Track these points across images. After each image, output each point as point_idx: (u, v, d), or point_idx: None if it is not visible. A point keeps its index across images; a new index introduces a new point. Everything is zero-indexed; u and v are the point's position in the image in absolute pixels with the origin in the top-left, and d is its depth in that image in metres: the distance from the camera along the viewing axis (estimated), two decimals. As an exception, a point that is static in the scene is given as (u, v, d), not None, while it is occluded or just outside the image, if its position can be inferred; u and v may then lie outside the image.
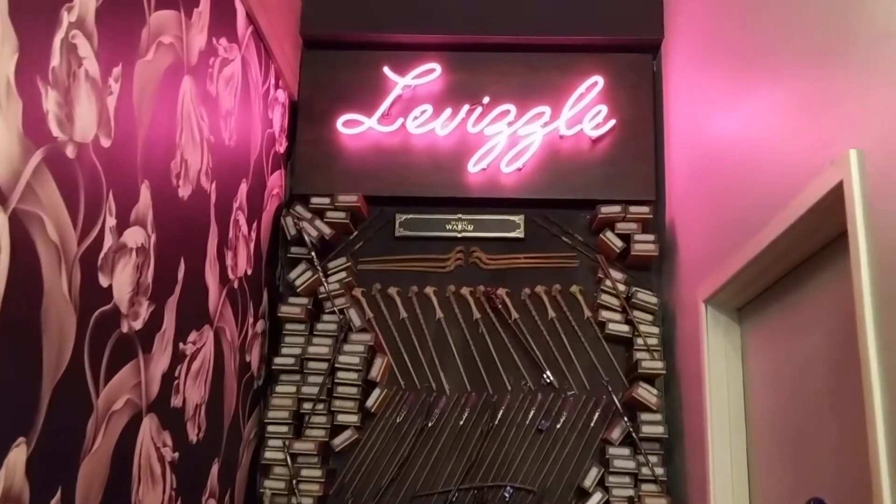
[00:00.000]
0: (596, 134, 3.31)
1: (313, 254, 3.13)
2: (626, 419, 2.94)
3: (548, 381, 3.17)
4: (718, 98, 2.62)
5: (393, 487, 3.11)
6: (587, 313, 3.25)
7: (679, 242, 3.06)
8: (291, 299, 3.15)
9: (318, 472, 2.96)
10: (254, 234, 2.92)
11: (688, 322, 2.85)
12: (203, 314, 2.39)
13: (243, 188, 2.77)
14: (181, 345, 2.21)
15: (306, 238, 3.13)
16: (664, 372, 2.97)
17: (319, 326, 3.11)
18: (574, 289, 3.29)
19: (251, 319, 2.91)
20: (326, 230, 3.22)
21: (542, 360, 3.17)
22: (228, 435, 2.66)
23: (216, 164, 2.47)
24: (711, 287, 2.51)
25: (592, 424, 3.13)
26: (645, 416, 2.95)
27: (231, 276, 2.65)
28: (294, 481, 2.91)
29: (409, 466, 3.13)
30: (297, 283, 3.13)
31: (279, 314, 3.09)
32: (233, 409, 2.72)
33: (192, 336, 2.30)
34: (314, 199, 3.25)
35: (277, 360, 3.05)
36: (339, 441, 3.04)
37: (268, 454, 2.97)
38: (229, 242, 2.61)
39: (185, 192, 2.21)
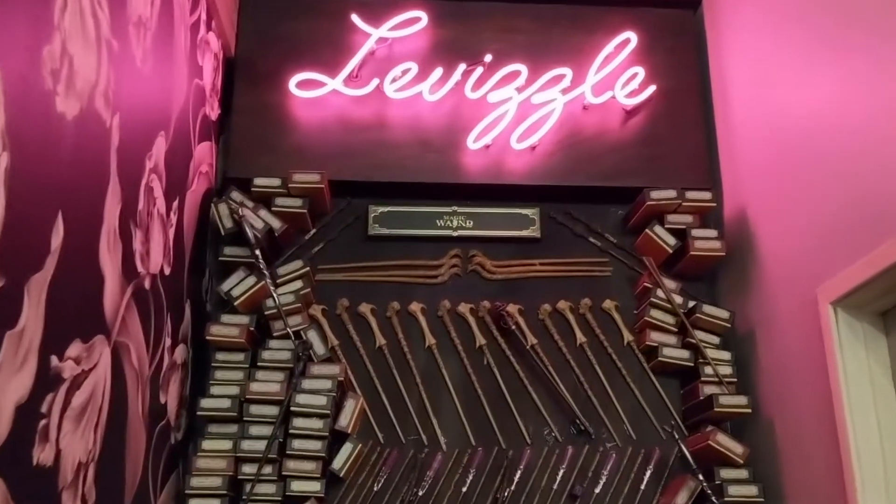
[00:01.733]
0: (631, 103, 2.65)
1: (258, 252, 2.30)
2: (700, 477, 2.18)
3: (580, 429, 2.40)
4: (795, 65, 2.18)
5: (370, 586, 2.25)
6: (627, 337, 2.51)
7: (758, 238, 2.38)
8: (226, 318, 2.30)
9: (263, 568, 2.08)
10: (174, 218, 2.09)
11: (789, 338, 2.16)
12: (95, 318, 1.54)
13: (161, 145, 1.95)
14: (54, 359, 1.36)
15: (248, 232, 2.31)
16: (749, 411, 2.24)
17: (266, 355, 2.26)
18: (608, 304, 2.56)
19: (168, 342, 2.05)
20: (276, 222, 2.41)
21: (572, 400, 2.40)
22: (130, 515, 1.77)
23: (123, 90, 1.65)
24: (845, 286, 1.82)
25: (643, 487, 2.36)
26: (726, 473, 2.20)
27: (141, 268, 1.81)
28: (228, 583, 2.02)
29: (392, 555, 2.28)
30: (235, 293, 2.28)
31: (208, 337, 2.23)
32: (139, 475, 1.84)
33: (75, 349, 1.45)
34: (259, 181, 2.44)
35: (205, 402, 2.18)
36: (294, 521, 2.17)
37: (188, 544, 2.08)
38: (139, 217, 1.78)
39: (67, 107, 1.39)
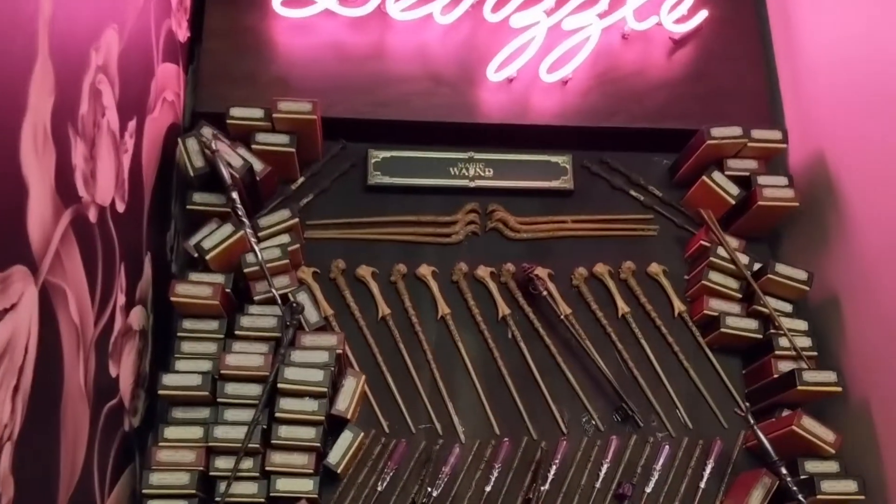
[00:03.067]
0: (679, 30, 2.28)
1: (235, 195, 1.88)
2: (783, 471, 1.79)
3: (626, 415, 2.02)
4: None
5: None
6: (679, 306, 2.13)
7: (838, 188, 2.02)
8: (195, 276, 1.88)
9: (241, 589, 1.66)
10: (129, 143, 1.67)
11: (883, 303, 1.79)
12: (13, 241, 1.13)
13: (112, 40, 1.53)
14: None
15: (224, 171, 1.89)
16: (840, 389, 1.87)
17: (245, 322, 1.85)
18: (655, 269, 2.18)
19: (121, 299, 1.63)
20: (257, 163, 1.99)
21: (615, 382, 2.01)
22: (66, 520, 1.35)
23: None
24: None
25: (703, 485, 1.97)
26: (814, 466, 1.82)
27: (83, 192, 1.39)
28: None
29: (401, 570, 1.87)
30: (208, 244, 1.87)
31: (173, 299, 1.80)
32: (79, 466, 1.41)
33: (-17, 279, 1.03)
34: (236, 111, 2.03)
35: (169, 379, 1.75)
36: (280, 528, 1.76)
37: (146, 557, 1.65)
38: (80, 124, 1.36)
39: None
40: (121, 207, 1.60)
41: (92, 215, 1.43)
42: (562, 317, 2.07)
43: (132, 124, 1.67)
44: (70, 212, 1.32)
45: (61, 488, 1.33)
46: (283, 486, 1.77)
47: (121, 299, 1.61)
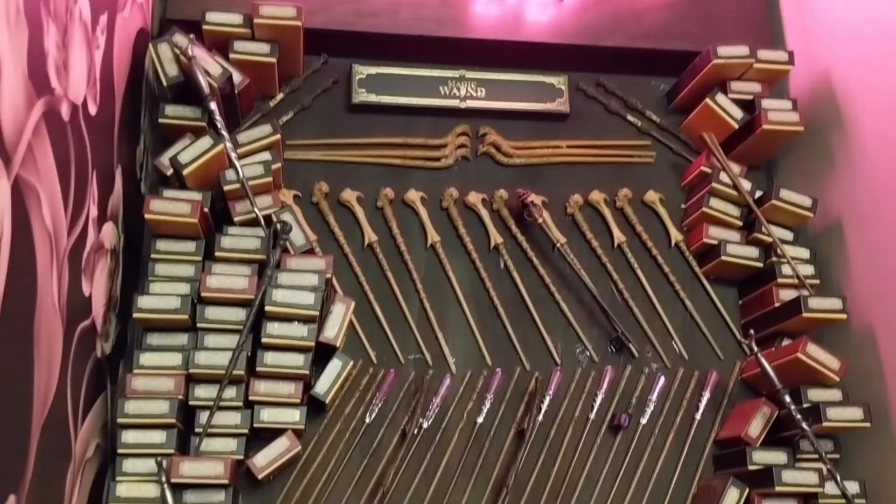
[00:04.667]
0: (682, -52, 2.18)
1: (213, 106, 1.75)
2: (787, 399, 1.77)
3: (621, 345, 1.97)
4: None
5: (363, 544, 1.77)
6: (676, 236, 2.08)
7: (844, 111, 1.98)
8: (169, 193, 1.76)
9: (225, 523, 1.57)
10: (101, 39, 1.53)
11: (889, 228, 1.76)
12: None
13: (84, -80, 1.38)
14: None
15: (201, 80, 1.75)
16: (845, 316, 1.84)
17: (226, 243, 1.73)
18: (651, 197, 2.12)
19: (94, 212, 1.50)
20: (237, 74, 1.86)
21: (610, 312, 1.96)
22: (42, 448, 1.24)
23: None
24: None
25: (699, 416, 1.95)
26: (818, 394, 1.80)
27: (56, 84, 1.26)
28: (178, 543, 1.51)
29: (391, 503, 1.80)
30: (185, 158, 1.73)
31: (148, 216, 1.68)
32: (53, 389, 1.30)
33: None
34: (212, 16, 1.88)
35: (144, 301, 1.63)
36: (265, 460, 1.67)
37: (122, 489, 1.55)
38: (52, 6, 1.22)
39: None
40: (93, 110, 1.47)
41: (65, 112, 1.30)
42: (556, 245, 2.00)
43: (104, 19, 1.52)
44: (42, 103, 1.19)
45: (35, 412, 1.22)
46: (269, 416, 1.68)
47: (93, 211, 1.49)
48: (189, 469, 1.55)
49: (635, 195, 2.11)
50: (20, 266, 1.11)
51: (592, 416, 1.92)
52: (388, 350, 1.91)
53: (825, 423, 1.72)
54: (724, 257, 1.95)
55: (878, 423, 1.73)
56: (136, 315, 1.62)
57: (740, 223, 2.01)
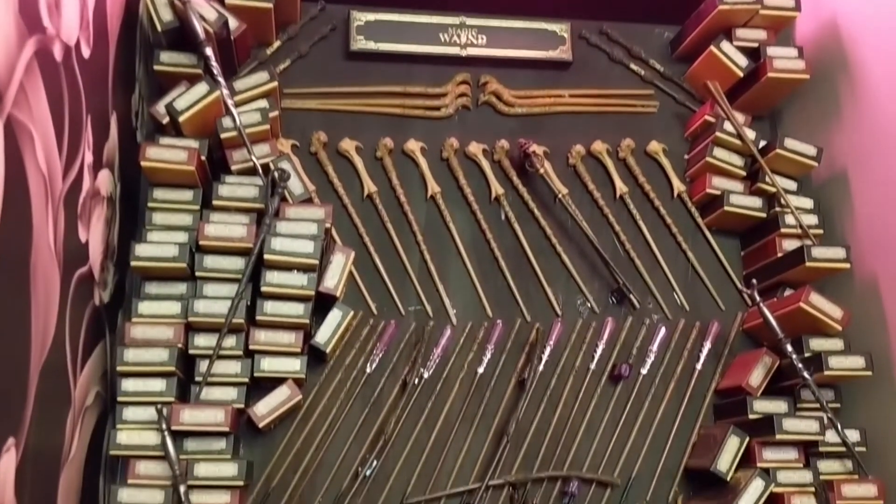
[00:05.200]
0: None
1: (209, 52, 1.72)
2: (789, 348, 1.76)
3: (622, 296, 1.96)
4: None
5: (363, 492, 1.78)
6: (678, 186, 2.06)
7: (851, 59, 1.95)
8: (166, 140, 1.73)
9: (225, 469, 1.58)
10: (94, -18, 1.49)
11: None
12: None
13: None
14: None
15: (197, 26, 1.72)
16: (848, 266, 1.83)
17: (224, 192, 1.72)
18: (654, 147, 2.10)
19: (89, 157, 1.48)
20: (233, 19, 1.82)
21: (612, 263, 1.95)
22: (41, 392, 1.23)
23: None
24: None
25: (699, 367, 1.95)
26: (818, 343, 1.80)
27: (48, 24, 1.23)
28: (179, 489, 1.51)
29: (391, 453, 1.81)
30: (181, 104, 1.71)
31: (144, 163, 1.66)
32: (51, 334, 1.29)
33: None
34: (208, -40, 1.84)
35: (142, 249, 1.62)
36: (266, 409, 1.67)
37: (122, 436, 1.55)
38: (42, -59, 1.19)
39: None
40: (86, 53, 1.44)
41: (57, 53, 1.27)
42: (558, 196, 1.98)
43: (94, -41, 1.49)
44: (34, 41, 1.16)
45: (33, 355, 1.22)
46: (269, 365, 1.68)
47: (88, 157, 1.47)
48: (189, 416, 1.55)
49: (638, 145, 2.09)
50: (15, 206, 1.10)
51: (593, 366, 1.93)
52: (389, 301, 1.91)
53: (826, 372, 1.72)
54: (726, 208, 1.94)
55: (880, 372, 1.73)
56: (133, 263, 1.60)
57: (744, 173, 1.99)
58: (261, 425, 1.66)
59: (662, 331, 1.96)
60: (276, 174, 1.68)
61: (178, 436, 1.56)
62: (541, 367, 1.89)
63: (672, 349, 1.96)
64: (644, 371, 1.93)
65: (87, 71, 1.44)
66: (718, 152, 1.97)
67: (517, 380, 1.89)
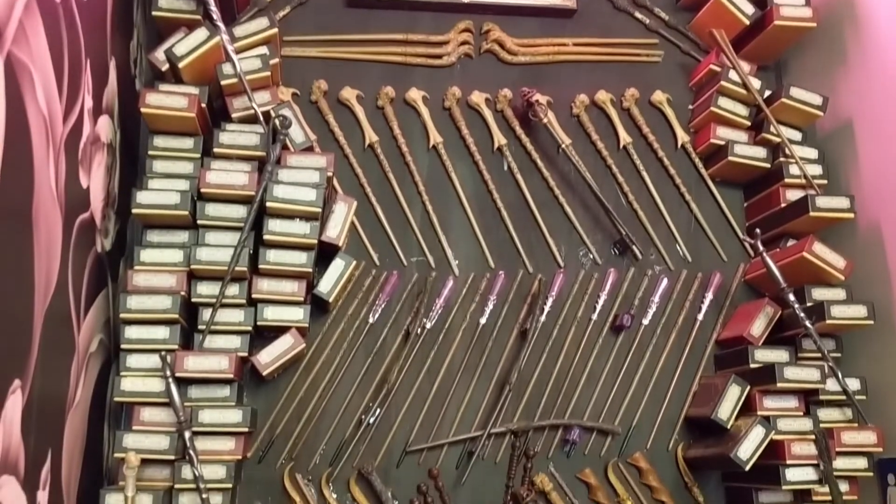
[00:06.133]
0: None
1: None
2: (791, 297, 1.77)
3: (625, 246, 1.96)
4: None
5: (366, 439, 1.79)
6: (682, 137, 2.05)
7: (857, 6, 1.92)
8: (165, 87, 1.71)
9: (230, 415, 1.59)
10: (90, -80, 1.46)
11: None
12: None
13: None
14: None
15: (194, -30, 1.69)
16: (852, 216, 1.83)
17: (225, 139, 1.70)
18: (659, 97, 2.08)
19: (89, 102, 1.46)
20: (231, -36, 1.79)
21: (614, 214, 1.94)
22: (45, 337, 1.23)
23: None
24: None
25: (701, 317, 1.95)
26: (821, 293, 1.80)
27: (45, -40, 1.20)
28: (184, 435, 1.52)
29: (394, 402, 1.82)
30: (180, 50, 1.68)
31: (144, 110, 1.64)
32: (54, 279, 1.29)
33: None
34: None
35: (144, 196, 1.61)
36: (269, 357, 1.68)
37: (126, 383, 1.55)
38: None
39: None
40: (84, -7, 1.41)
41: (55, -10, 1.25)
42: (561, 147, 1.97)
43: None
44: (31, -23, 1.14)
45: (36, 299, 1.21)
46: (272, 314, 1.68)
47: (88, 101, 1.45)
48: (193, 363, 1.55)
49: (642, 95, 2.07)
50: (16, 147, 1.09)
51: (595, 317, 1.93)
52: (391, 252, 1.90)
53: (828, 321, 1.72)
54: (731, 158, 1.93)
55: (881, 321, 1.74)
56: (135, 211, 1.59)
57: (748, 123, 1.98)
58: (265, 373, 1.67)
59: (664, 282, 1.96)
60: (277, 121, 1.66)
61: (183, 383, 1.57)
62: (543, 318, 1.90)
63: (674, 300, 1.96)
64: (646, 322, 1.94)
65: (86, 14, 1.42)
66: (723, 102, 1.96)
67: (519, 330, 1.89)
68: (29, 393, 1.17)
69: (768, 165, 1.94)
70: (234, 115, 1.75)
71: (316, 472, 1.76)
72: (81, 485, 1.45)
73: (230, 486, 1.56)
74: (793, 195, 1.89)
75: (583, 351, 1.90)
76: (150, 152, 1.69)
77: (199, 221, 1.63)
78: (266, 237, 1.64)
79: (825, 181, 1.92)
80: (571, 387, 1.88)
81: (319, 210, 1.63)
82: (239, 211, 1.64)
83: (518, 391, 1.85)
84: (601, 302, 1.93)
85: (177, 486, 1.54)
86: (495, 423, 1.79)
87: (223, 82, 1.71)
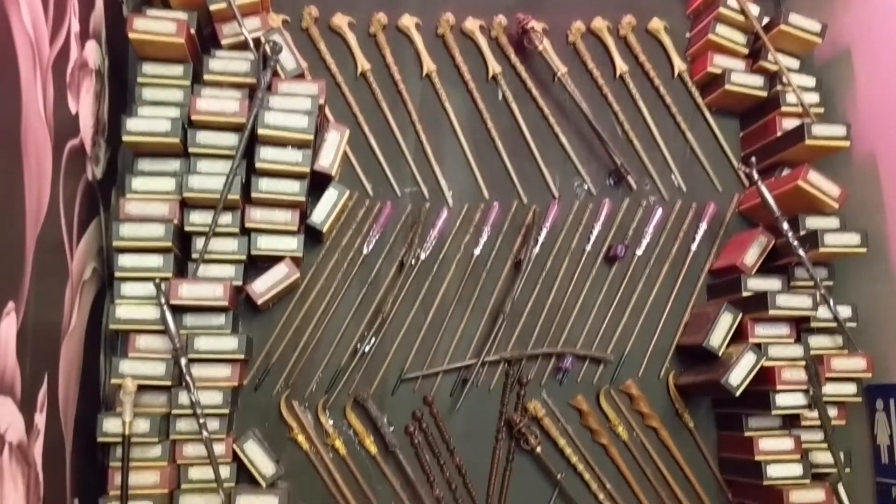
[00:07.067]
0: None
1: (197, -81, 1.65)
2: (785, 226, 1.77)
3: (620, 177, 1.95)
4: None
5: (361, 368, 1.82)
6: (679, 65, 2.03)
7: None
8: (154, 12, 1.68)
9: (225, 343, 1.60)
10: None
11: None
12: None
13: None
14: None
15: None
16: (848, 144, 1.83)
17: (215, 66, 1.68)
18: (656, 25, 2.05)
19: (76, 26, 1.44)
20: None
21: (609, 144, 1.93)
22: (37, 261, 1.23)
23: None
24: None
25: (695, 247, 1.96)
26: (814, 222, 1.81)
27: None
28: (180, 362, 1.53)
29: (389, 331, 1.84)
30: (167, -26, 1.65)
31: (132, 35, 1.61)
32: (45, 207, 1.28)
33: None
34: None
35: (133, 123, 1.59)
36: (264, 287, 1.69)
37: (121, 311, 1.56)
38: None
39: None
40: (65, -89, 1.37)
41: None
42: (556, 75, 1.95)
43: None
44: None
45: (28, 223, 1.21)
46: (266, 244, 1.68)
47: (75, 25, 1.42)
48: (188, 291, 1.56)
49: (639, 23, 2.04)
50: (2, 68, 1.07)
51: (588, 247, 1.94)
52: (385, 183, 1.90)
53: (822, 249, 1.73)
54: (727, 86, 1.91)
55: (874, 249, 1.75)
56: (126, 138, 1.58)
57: (746, 51, 1.96)
58: (259, 302, 1.68)
59: (659, 212, 1.96)
60: (267, 47, 1.64)
61: (178, 312, 1.58)
62: (537, 249, 1.90)
63: (668, 230, 1.96)
64: (639, 252, 1.95)
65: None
66: (721, 29, 1.93)
67: (513, 261, 1.90)
68: (23, 317, 1.18)
69: (765, 94, 1.92)
70: (223, 42, 1.73)
71: (312, 399, 1.79)
72: (79, 410, 1.47)
73: (226, 411, 1.59)
74: (789, 124, 1.88)
75: (576, 281, 1.91)
76: (140, 79, 1.67)
77: (190, 149, 1.62)
78: (258, 165, 1.63)
79: (822, 109, 1.91)
80: (565, 316, 1.89)
81: (311, 137, 1.62)
82: (230, 139, 1.63)
83: (512, 321, 1.86)
84: (595, 232, 1.94)
85: (174, 411, 1.56)
86: (489, 351, 1.81)
87: (212, 7, 1.68)
